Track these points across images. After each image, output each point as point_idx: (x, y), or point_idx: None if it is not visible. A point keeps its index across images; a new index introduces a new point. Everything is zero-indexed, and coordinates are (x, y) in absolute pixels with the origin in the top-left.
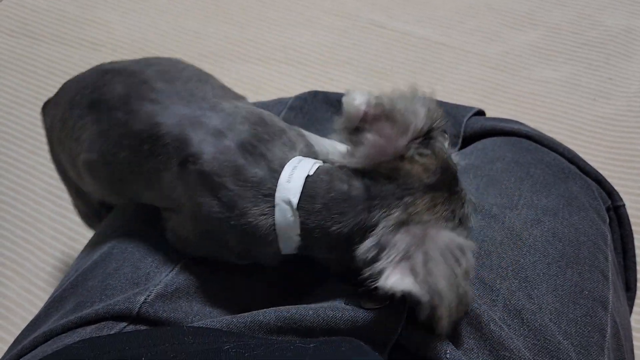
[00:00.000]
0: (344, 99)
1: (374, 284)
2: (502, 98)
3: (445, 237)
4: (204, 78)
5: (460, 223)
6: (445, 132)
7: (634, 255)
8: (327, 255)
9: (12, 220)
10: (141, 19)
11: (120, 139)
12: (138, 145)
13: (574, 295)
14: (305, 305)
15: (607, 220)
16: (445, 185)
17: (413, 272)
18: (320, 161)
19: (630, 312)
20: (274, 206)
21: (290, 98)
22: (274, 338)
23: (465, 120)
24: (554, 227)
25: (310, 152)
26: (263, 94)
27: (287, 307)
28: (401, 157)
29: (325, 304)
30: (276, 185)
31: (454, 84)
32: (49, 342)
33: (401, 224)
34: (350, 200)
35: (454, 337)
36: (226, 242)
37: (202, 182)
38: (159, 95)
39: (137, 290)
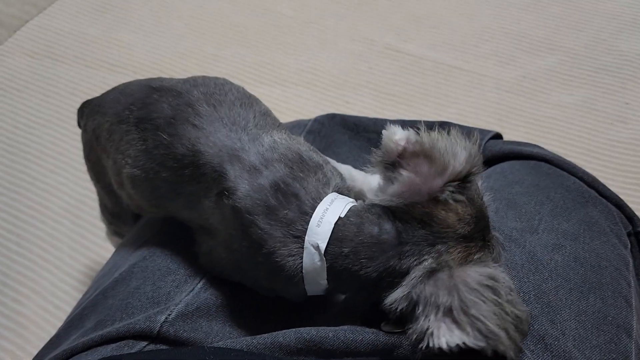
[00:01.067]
0: (384, 132)
1: (422, 346)
2: (518, 122)
3: (472, 273)
4: (247, 102)
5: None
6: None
7: None
8: (354, 297)
9: (31, 239)
10: (161, 42)
11: (163, 160)
12: (180, 169)
13: (597, 321)
14: (325, 328)
15: (629, 246)
16: (479, 235)
17: (458, 324)
18: (353, 200)
19: None
20: (302, 247)
21: (308, 120)
22: (295, 359)
23: (483, 143)
24: (575, 251)
25: (344, 188)
26: (280, 116)
27: (307, 328)
28: (435, 201)
29: (345, 327)
30: (306, 228)
31: (470, 107)
32: None
33: (431, 273)
34: (380, 245)
35: None
36: (255, 277)
37: (235, 216)
38: (202, 121)
39: (158, 309)
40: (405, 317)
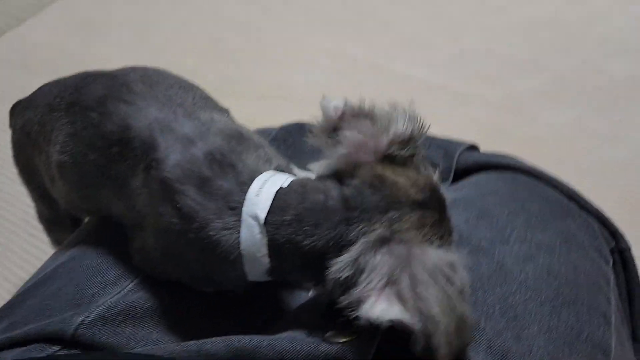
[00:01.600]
0: (321, 103)
1: (353, 314)
2: (504, 141)
3: (432, 255)
4: (187, 86)
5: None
6: (435, 164)
7: None
8: (301, 279)
9: None
10: (140, 56)
11: (92, 140)
12: (108, 148)
13: (569, 338)
14: (260, 336)
15: (611, 262)
16: (436, 206)
17: (401, 298)
18: (296, 176)
19: None
20: (239, 220)
21: (274, 129)
22: None
23: (457, 154)
24: (550, 263)
25: (288, 169)
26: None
27: (240, 336)
28: (383, 163)
29: (283, 335)
30: (244, 199)
31: (454, 126)
32: None
33: (383, 242)
34: (326, 211)
35: None
36: (187, 263)
37: (163, 189)
38: (135, 97)
39: (77, 311)
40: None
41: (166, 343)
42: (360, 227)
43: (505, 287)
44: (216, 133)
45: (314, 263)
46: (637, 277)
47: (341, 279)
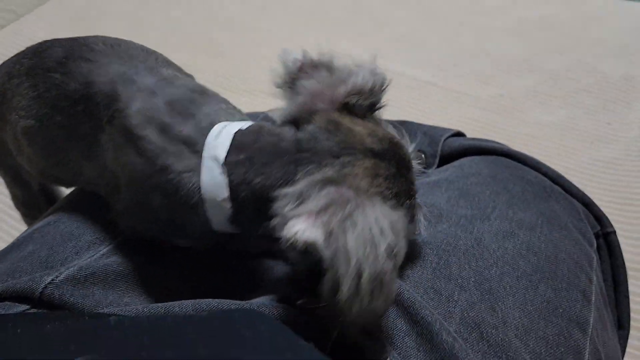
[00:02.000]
0: (279, 55)
1: (277, 233)
2: (496, 139)
3: (378, 210)
4: (150, 51)
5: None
6: (421, 150)
7: (626, 290)
8: (257, 228)
9: None
10: None
11: (56, 101)
12: (73, 107)
13: (545, 311)
14: (228, 300)
15: (594, 245)
16: (394, 160)
17: (324, 226)
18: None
19: (623, 353)
20: (199, 163)
21: (263, 112)
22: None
23: (442, 139)
24: (529, 241)
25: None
26: None
27: (208, 299)
28: (341, 112)
29: (253, 301)
30: (204, 142)
31: (445, 123)
32: None
33: (330, 182)
34: (276, 152)
35: (400, 347)
36: (156, 213)
37: (126, 137)
38: (97, 55)
39: (47, 271)
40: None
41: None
42: (308, 168)
43: (481, 262)
44: (178, 86)
45: (265, 207)
46: (623, 261)
47: (282, 210)
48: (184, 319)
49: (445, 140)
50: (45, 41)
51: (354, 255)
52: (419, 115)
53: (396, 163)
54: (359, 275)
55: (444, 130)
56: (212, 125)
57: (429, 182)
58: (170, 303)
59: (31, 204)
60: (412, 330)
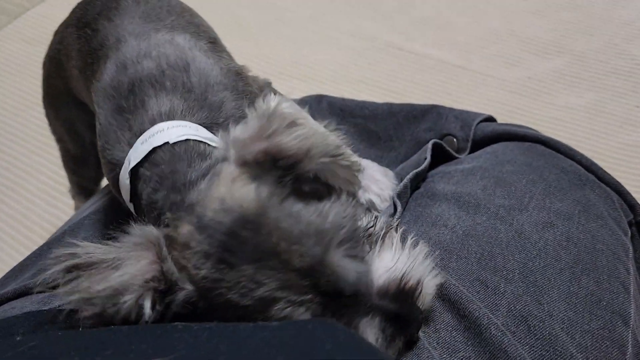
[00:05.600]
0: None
1: None
2: (522, 122)
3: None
4: (179, 10)
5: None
6: (453, 134)
7: None
8: None
9: (3, 218)
10: None
11: (86, 56)
12: (91, 65)
13: (589, 304)
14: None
15: (629, 234)
16: (216, 237)
17: None
18: (197, 129)
19: None
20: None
21: (294, 99)
22: None
23: (475, 123)
24: (568, 231)
25: (216, 117)
26: None
27: None
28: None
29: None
30: (135, 142)
31: (472, 107)
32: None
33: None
34: (163, 180)
35: (448, 341)
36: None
37: (97, 98)
38: (117, 14)
39: None
40: None
41: None
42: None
43: (524, 253)
44: (155, 58)
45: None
46: None
47: None
48: (257, 327)
49: (477, 125)
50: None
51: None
52: (445, 98)
53: (227, 237)
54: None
55: (476, 114)
56: (153, 122)
57: (463, 170)
58: None
59: (81, 159)
60: (459, 325)
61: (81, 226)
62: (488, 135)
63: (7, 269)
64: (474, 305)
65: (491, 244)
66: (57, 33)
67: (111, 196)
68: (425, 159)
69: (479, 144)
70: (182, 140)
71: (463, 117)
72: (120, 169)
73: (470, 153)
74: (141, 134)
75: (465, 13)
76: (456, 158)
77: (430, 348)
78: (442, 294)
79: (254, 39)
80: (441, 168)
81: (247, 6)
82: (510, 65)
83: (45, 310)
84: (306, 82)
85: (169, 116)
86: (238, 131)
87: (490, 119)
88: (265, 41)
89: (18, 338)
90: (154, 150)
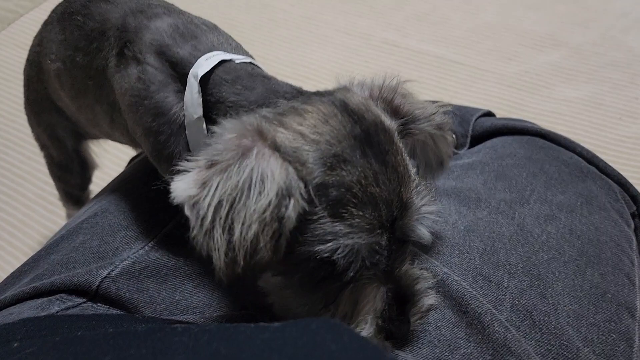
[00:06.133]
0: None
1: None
2: (520, 116)
3: (266, 162)
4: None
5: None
6: (452, 130)
7: None
8: None
9: (1, 224)
10: None
11: (77, 42)
12: (89, 45)
13: (595, 297)
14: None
15: (632, 225)
16: (364, 127)
17: (201, 183)
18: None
19: None
20: (185, 87)
21: None
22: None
23: (473, 119)
24: (571, 224)
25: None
26: None
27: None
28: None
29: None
30: (194, 64)
31: (470, 102)
32: None
33: (245, 129)
34: (254, 80)
35: (449, 338)
36: (149, 136)
37: (131, 63)
38: None
39: (102, 264)
40: None
41: (186, 308)
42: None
43: (527, 247)
44: (186, 14)
45: None
46: None
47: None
48: (258, 328)
49: (476, 120)
50: None
51: (217, 208)
52: (443, 94)
53: (366, 131)
54: (228, 229)
55: (475, 110)
56: (209, 50)
57: (463, 165)
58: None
59: (65, 165)
60: (461, 321)
61: (79, 230)
62: (487, 130)
63: (4, 276)
64: (477, 301)
65: (493, 238)
66: (35, 37)
67: (110, 198)
68: None
69: (478, 139)
70: (247, 62)
71: (462, 112)
72: (182, 103)
73: (469, 148)
74: (195, 58)
75: (460, 8)
76: (456, 154)
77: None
78: (444, 290)
79: (249, 40)
80: None
81: (240, 7)
82: (507, 59)
83: (43, 316)
84: (303, 82)
85: (221, 47)
86: (357, 88)
87: (489, 114)
88: (261, 42)
89: (15, 344)
90: (221, 62)
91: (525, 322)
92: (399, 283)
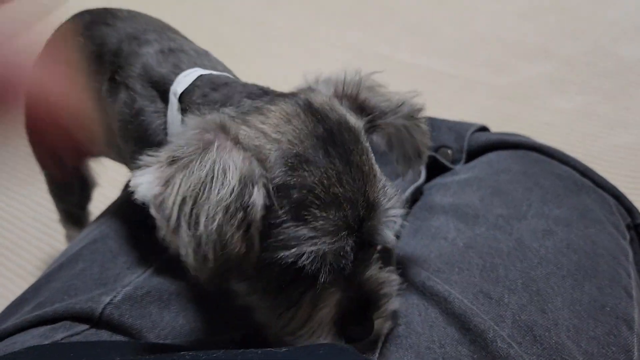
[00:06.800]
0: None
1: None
2: (512, 128)
3: (227, 156)
4: (172, 30)
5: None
6: (447, 146)
7: None
8: None
9: None
10: None
11: (79, 63)
12: (88, 68)
13: (593, 311)
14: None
15: (628, 238)
16: (327, 127)
17: (163, 179)
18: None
19: None
20: (167, 107)
21: None
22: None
23: (468, 134)
24: (568, 237)
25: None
26: None
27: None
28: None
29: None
30: (173, 81)
31: (463, 114)
32: (1, 343)
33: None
34: (222, 83)
35: (453, 355)
36: (133, 154)
37: (122, 88)
38: (116, 21)
39: (104, 290)
40: None
41: (189, 333)
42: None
43: (525, 262)
44: (178, 40)
45: None
46: None
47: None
48: (265, 354)
49: (470, 135)
50: (84, 10)
51: (182, 206)
52: (436, 106)
53: (329, 130)
54: (194, 224)
55: (469, 125)
56: (189, 66)
57: (459, 181)
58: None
59: (64, 185)
60: (464, 339)
61: (79, 257)
62: (482, 145)
63: (1, 299)
64: (479, 318)
65: (492, 254)
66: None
67: (110, 224)
68: (421, 172)
69: (473, 153)
70: (223, 75)
71: (457, 128)
72: (162, 120)
73: (465, 163)
74: (175, 75)
75: (450, 20)
76: (452, 169)
77: None
78: (446, 307)
79: (243, 57)
80: (437, 180)
81: (232, 26)
82: (499, 71)
83: (47, 344)
84: None
85: (201, 65)
86: (322, 86)
87: (483, 129)
88: (252, 59)
89: None
90: (200, 77)
91: (527, 338)
92: (363, 288)
